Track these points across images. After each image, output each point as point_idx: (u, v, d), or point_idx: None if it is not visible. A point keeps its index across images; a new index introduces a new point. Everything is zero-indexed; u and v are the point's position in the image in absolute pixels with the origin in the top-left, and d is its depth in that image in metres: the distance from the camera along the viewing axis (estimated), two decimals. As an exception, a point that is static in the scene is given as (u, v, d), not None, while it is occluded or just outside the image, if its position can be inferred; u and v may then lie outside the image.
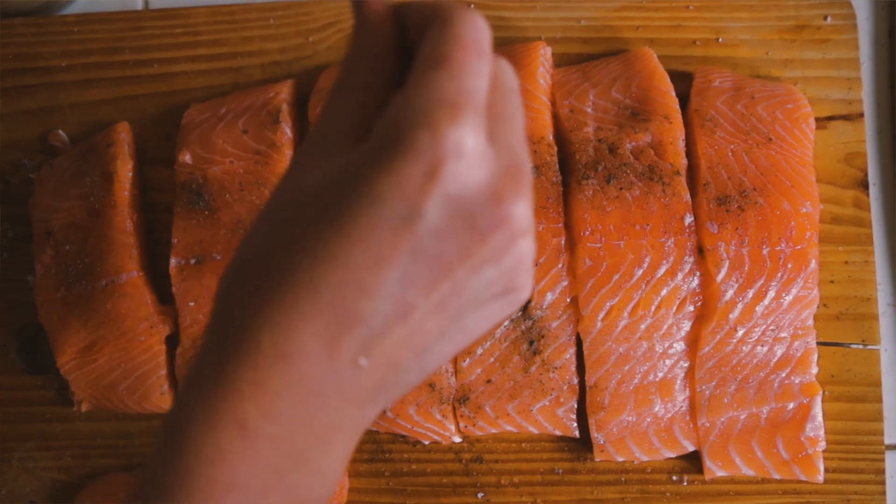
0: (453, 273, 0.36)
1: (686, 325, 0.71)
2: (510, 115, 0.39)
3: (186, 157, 0.76)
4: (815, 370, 0.72)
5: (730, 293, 0.70)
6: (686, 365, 0.72)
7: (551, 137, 0.73)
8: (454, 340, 0.39)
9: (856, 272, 0.76)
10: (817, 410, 0.72)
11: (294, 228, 0.37)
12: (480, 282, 0.37)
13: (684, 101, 0.76)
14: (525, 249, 0.37)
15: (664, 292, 0.70)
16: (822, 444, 0.72)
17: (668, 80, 0.75)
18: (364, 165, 0.35)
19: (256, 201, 0.74)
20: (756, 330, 0.71)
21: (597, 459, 0.74)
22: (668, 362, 0.71)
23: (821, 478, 0.72)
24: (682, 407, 0.72)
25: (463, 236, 0.35)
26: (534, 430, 0.74)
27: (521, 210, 0.36)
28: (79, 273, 0.74)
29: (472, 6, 0.81)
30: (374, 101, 0.40)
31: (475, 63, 0.36)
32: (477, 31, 0.37)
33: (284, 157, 0.75)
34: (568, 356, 0.71)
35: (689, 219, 0.70)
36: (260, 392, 0.37)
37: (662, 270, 0.70)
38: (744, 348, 0.71)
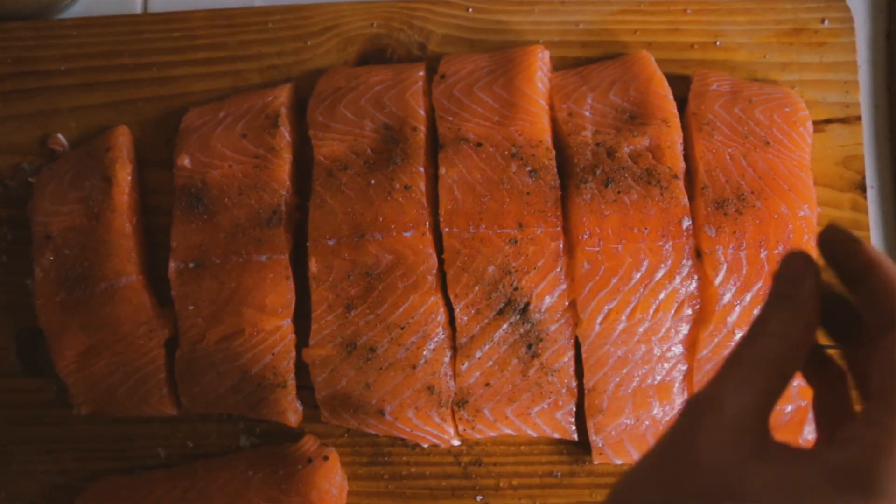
0: None
1: (684, 329, 0.71)
2: None
3: (185, 161, 0.76)
4: (812, 373, 0.72)
5: (727, 296, 0.70)
6: (684, 368, 0.72)
7: (549, 141, 0.73)
8: None
9: (853, 275, 0.76)
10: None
11: None
12: None
13: (682, 104, 0.76)
14: None
15: (662, 296, 0.70)
16: (820, 447, 0.72)
17: (666, 83, 0.75)
18: (818, 499, 0.36)
19: (255, 205, 0.74)
20: (754, 333, 0.71)
21: (595, 462, 0.74)
22: (666, 365, 0.72)
23: (818, 480, 0.72)
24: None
25: None
26: (532, 433, 0.74)
27: None
28: (78, 277, 0.75)
29: (471, 10, 0.81)
30: (785, 390, 0.40)
31: None
32: None
33: (283, 160, 0.75)
34: (566, 359, 0.72)
35: (686, 222, 0.70)
36: None
37: (660, 274, 0.70)
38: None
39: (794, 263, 0.43)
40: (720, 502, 0.37)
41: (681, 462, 0.39)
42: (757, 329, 0.42)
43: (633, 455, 0.72)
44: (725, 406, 0.40)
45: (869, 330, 0.41)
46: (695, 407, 0.41)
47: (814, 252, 0.45)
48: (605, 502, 0.41)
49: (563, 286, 0.71)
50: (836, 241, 0.43)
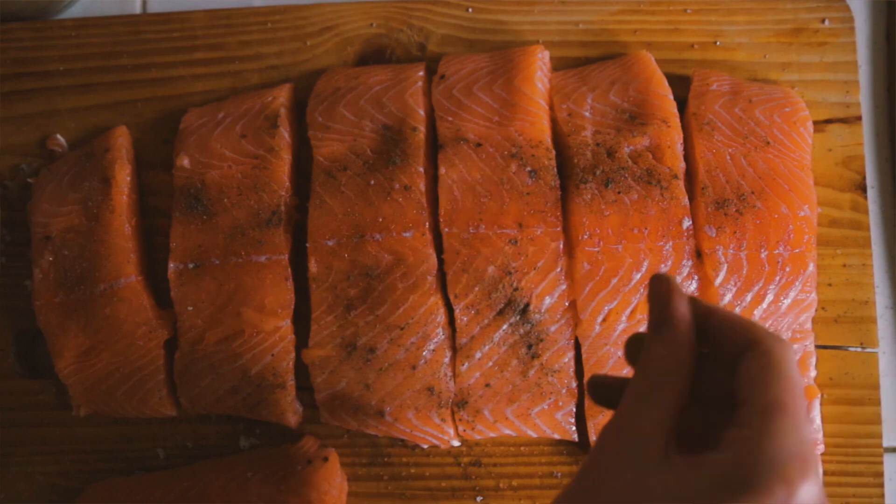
0: None
1: (684, 329, 0.71)
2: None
3: (185, 162, 0.76)
4: (813, 373, 0.72)
5: (728, 297, 0.70)
6: (684, 368, 0.72)
7: (549, 141, 0.73)
8: None
9: (854, 275, 0.76)
10: (815, 413, 0.72)
11: None
12: None
13: (682, 104, 0.76)
14: None
15: (662, 296, 0.70)
16: (821, 448, 0.72)
17: (666, 83, 0.75)
18: (709, 500, 0.40)
19: (255, 206, 0.74)
20: (754, 333, 0.71)
21: (595, 463, 0.73)
22: (666, 366, 0.71)
23: (819, 481, 0.72)
24: (680, 410, 0.72)
25: None
26: (532, 434, 0.74)
27: None
28: (77, 278, 0.74)
29: (471, 10, 0.81)
30: (681, 406, 0.45)
31: (805, 408, 0.42)
32: (797, 369, 0.44)
33: (283, 161, 0.75)
34: (566, 360, 0.71)
35: (687, 223, 0.70)
36: None
37: (660, 274, 0.70)
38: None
39: (659, 286, 0.47)
40: (599, 490, 0.43)
41: (593, 482, 0.44)
42: (645, 357, 0.47)
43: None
44: (626, 427, 0.45)
45: (726, 354, 0.47)
46: (603, 433, 0.46)
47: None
48: None
49: (563, 286, 0.71)
50: (662, 291, 0.48)
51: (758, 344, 0.45)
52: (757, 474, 0.39)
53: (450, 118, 0.74)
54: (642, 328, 0.70)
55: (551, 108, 0.76)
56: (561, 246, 0.71)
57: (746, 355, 0.45)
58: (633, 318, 0.70)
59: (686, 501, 0.40)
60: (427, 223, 0.71)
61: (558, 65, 0.80)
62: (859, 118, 0.78)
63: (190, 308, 0.74)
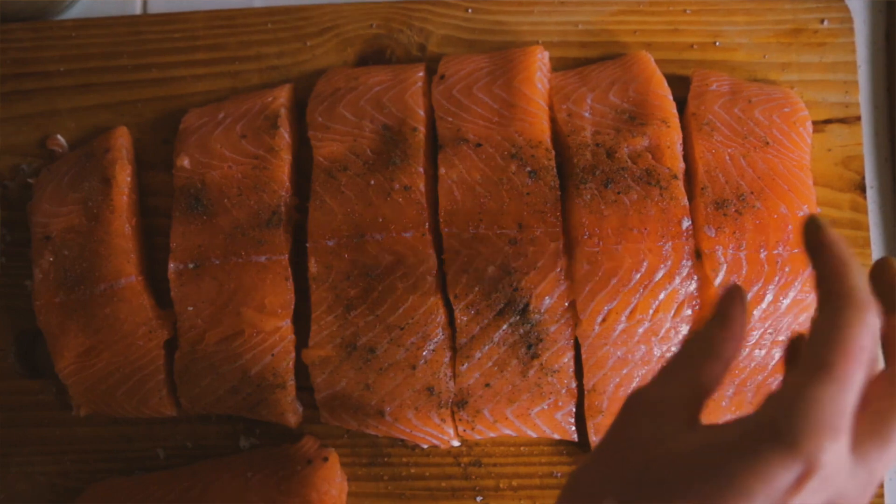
0: None
1: (684, 329, 0.71)
2: (885, 433, 0.42)
3: (185, 162, 0.76)
4: (812, 373, 0.72)
5: (727, 297, 0.70)
6: (684, 368, 0.72)
7: (549, 142, 0.73)
8: None
9: (853, 275, 0.76)
10: (815, 413, 0.72)
11: (650, 489, 0.42)
12: None
13: (682, 104, 0.76)
14: None
15: (662, 296, 0.70)
16: (820, 448, 0.72)
17: (666, 83, 0.75)
18: (737, 453, 0.40)
19: (255, 206, 0.74)
20: (754, 333, 0.71)
21: (595, 463, 0.74)
22: (666, 366, 0.71)
23: (819, 481, 0.72)
24: (680, 410, 0.72)
25: None
26: (532, 434, 0.74)
27: None
28: (77, 278, 0.74)
29: (470, 10, 0.81)
30: (711, 389, 0.46)
31: (856, 376, 0.41)
32: (865, 337, 0.41)
33: (283, 161, 0.75)
34: (566, 360, 0.72)
35: (686, 223, 0.70)
36: None
37: (660, 274, 0.70)
38: (741, 352, 0.71)
39: (731, 290, 0.48)
40: (650, 468, 0.43)
41: (621, 441, 0.46)
42: (687, 336, 0.49)
43: (634, 456, 0.72)
44: (656, 394, 0.46)
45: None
46: (633, 396, 0.47)
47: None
48: (567, 483, 0.47)
49: (563, 287, 0.71)
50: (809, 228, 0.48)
51: (830, 301, 0.43)
52: (791, 429, 0.39)
53: (450, 118, 0.75)
54: (642, 329, 0.70)
55: (551, 108, 0.76)
56: (561, 246, 0.71)
57: (818, 310, 0.43)
58: (632, 318, 0.70)
59: (711, 457, 0.41)
60: (427, 223, 0.72)
61: (558, 65, 0.80)
62: (859, 118, 0.78)
63: (190, 308, 0.74)
